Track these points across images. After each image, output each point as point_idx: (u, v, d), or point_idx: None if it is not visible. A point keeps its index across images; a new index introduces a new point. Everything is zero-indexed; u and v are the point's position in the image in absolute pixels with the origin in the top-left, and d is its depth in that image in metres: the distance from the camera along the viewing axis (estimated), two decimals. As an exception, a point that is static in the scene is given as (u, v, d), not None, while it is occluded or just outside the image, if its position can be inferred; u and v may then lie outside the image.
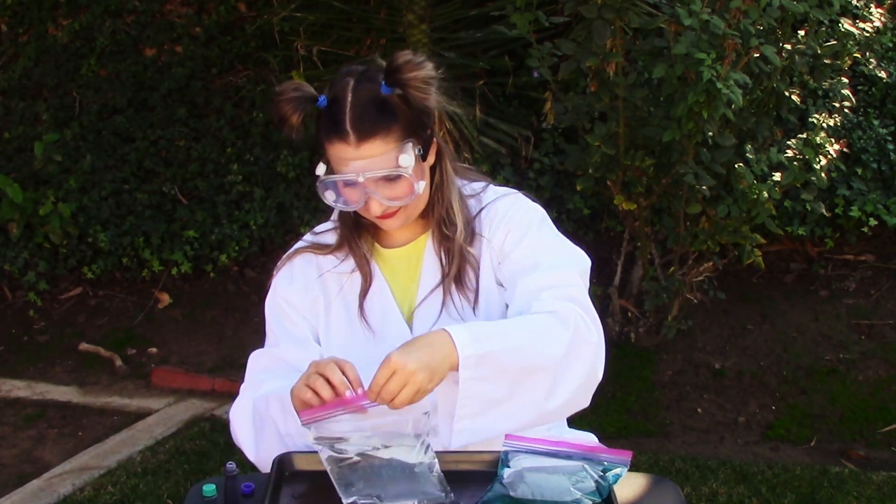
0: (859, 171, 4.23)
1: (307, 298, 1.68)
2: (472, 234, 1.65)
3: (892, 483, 3.21)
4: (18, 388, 4.09)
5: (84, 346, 4.42)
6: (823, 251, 4.46)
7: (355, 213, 1.64)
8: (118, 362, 4.28)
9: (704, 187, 3.40)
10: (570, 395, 1.49)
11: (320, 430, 1.40)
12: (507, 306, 1.63)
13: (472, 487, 1.45)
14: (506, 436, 1.52)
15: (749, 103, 3.47)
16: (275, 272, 1.73)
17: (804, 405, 3.76)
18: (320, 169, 1.55)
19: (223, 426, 3.67)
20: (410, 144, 1.53)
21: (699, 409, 3.79)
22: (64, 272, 4.80)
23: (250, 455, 1.63)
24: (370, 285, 1.66)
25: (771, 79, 3.41)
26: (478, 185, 1.71)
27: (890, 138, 4.29)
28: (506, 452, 1.49)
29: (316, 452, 1.44)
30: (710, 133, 3.33)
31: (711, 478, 3.22)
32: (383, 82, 1.52)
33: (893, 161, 4.25)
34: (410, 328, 1.65)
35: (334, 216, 1.73)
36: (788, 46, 3.39)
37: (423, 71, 1.50)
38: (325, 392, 1.40)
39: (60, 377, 4.21)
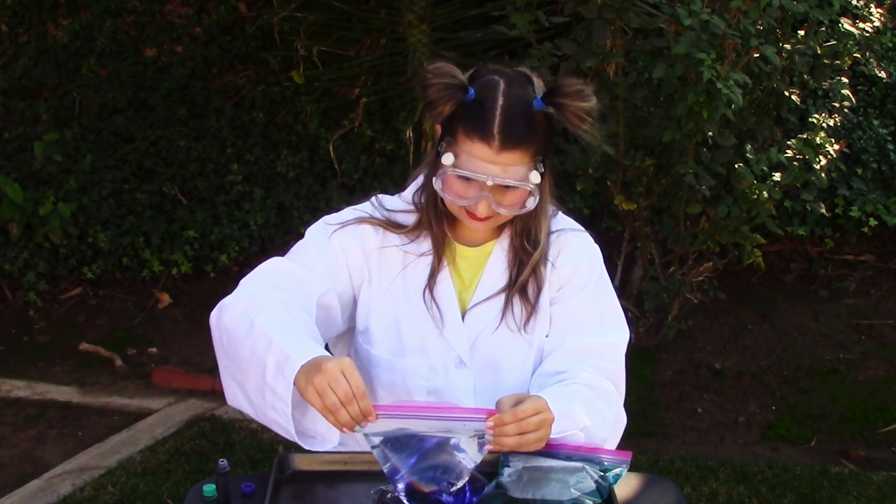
0: (859, 171, 4.23)
1: (357, 262, 1.65)
2: (545, 255, 1.67)
3: (892, 483, 3.21)
4: (18, 388, 4.08)
5: (84, 346, 4.42)
6: (823, 251, 4.46)
7: (441, 201, 1.62)
8: (118, 362, 4.28)
9: (704, 187, 3.40)
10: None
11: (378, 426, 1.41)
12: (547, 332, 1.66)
13: (473, 487, 1.45)
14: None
15: (749, 103, 3.47)
16: (333, 216, 1.68)
17: (804, 405, 3.76)
18: (447, 159, 1.53)
19: (223, 426, 3.67)
20: (541, 162, 1.54)
21: (699, 409, 3.79)
22: (64, 272, 4.80)
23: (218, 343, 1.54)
24: (441, 270, 1.65)
25: (771, 79, 3.41)
26: (549, 209, 1.71)
27: (890, 138, 4.29)
28: (506, 453, 1.49)
29: (315, 452, 1.45)
30: (710, 133, 3.33)
31: (711, 478, 3.22)
32: (539, 97, 1.52)
33: (893, 161, 4.25)
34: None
35: (406, 197, 1.70)
36: (788, 46, 3.39)
37: (588, 103, 1.51)
38: (343, 417, 1.37)
39: (60, 377, 4.21)
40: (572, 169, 3.77)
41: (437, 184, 1.56)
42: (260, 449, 3.47)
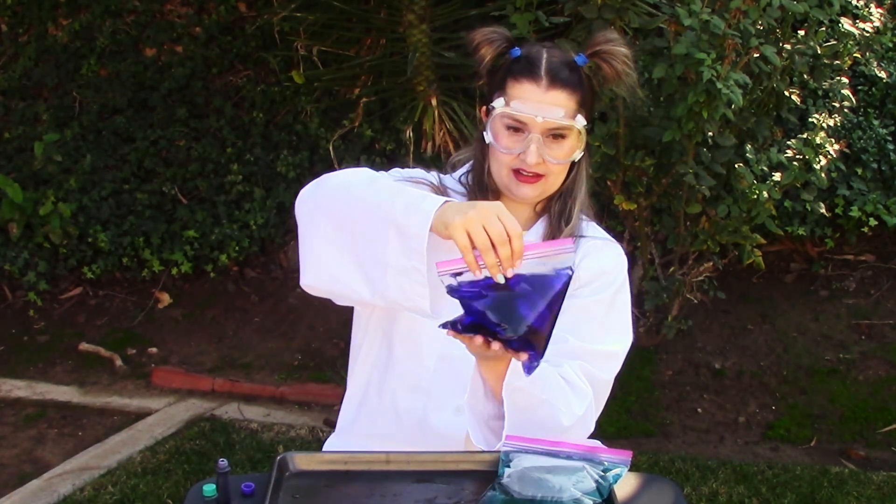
0: (859, 171, 4.23)
1: None
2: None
3: (892, 483, 3.21)
4: (18, 388, 4.09)
5: (84, 346, 4.42)
6: (823, 251, 4.46)
7: (488, 174, 1.67)
8: (118, 362, 4.28)
9: (704, 187, 3.40)
10: None
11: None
12: None
13: (472, 487, 1.45)
14: (506, 436, 1.52)
15: (749, 103, 3.47)
16: (401, 170, 1.74)
17: (804, 405, 3.76)
18: (498, 103, 1.60)
19: (223, 426, 3.67)
20: (583, 115, 1.61)
21: (699, 409, 3.79)
22: (64, 272, 4.80)
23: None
24: None
25: (771, 79, 3.41)
26: (583, 193, 1.74)
27: (890, 138, 4.29)
28: (506, 452, 1.49)
29: (315, 452, 1.44)
30: (710, 133, 3.33)
31: (711, 478, 3.22)
32: (581, 53, 1.63)
33: (893, 161, 4.25)
34: None
35: (456, 178, 1.74)
36: (788, 46, 3.39)
37: (626, 49, 1.62)
38: (490, 259, 1.33)
39: (60, 377, 4.21)
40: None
41: (487, 136, 1.62)
42: (260, 449, 3.47)
